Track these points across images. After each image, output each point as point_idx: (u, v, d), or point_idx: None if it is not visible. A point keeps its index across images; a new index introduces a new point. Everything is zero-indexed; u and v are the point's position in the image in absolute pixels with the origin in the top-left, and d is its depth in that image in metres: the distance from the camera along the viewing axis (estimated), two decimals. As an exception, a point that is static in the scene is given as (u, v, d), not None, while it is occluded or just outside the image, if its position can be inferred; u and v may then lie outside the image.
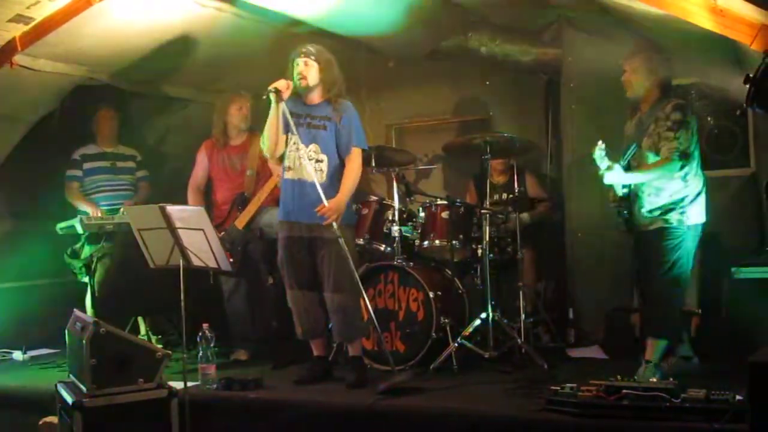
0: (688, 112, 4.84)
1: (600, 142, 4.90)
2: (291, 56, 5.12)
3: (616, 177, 4.88)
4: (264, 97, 4.97)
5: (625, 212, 5.01)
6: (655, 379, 4.43)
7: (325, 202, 4.89)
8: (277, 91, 4.96)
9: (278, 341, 6.10)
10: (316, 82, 5.12)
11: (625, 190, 4.98)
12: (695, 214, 4.83)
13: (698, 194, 4.84)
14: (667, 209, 4.83)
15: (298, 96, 5.16)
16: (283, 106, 4.98)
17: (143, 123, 7.50)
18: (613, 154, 5.00)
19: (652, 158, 4.86)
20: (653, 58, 5.00)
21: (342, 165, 5.16)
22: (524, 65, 6.94)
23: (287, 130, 5.06)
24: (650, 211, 4.89)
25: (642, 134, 4.91)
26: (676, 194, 4.82)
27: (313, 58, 5.08)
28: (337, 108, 5.15)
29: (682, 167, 4.79)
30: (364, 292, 5.03)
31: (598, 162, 4.89)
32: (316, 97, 5.18)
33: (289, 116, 4.97)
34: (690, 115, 4.83)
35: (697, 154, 4.87)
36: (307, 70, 5.08)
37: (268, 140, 5.10)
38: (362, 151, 5.22)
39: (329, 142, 5.13)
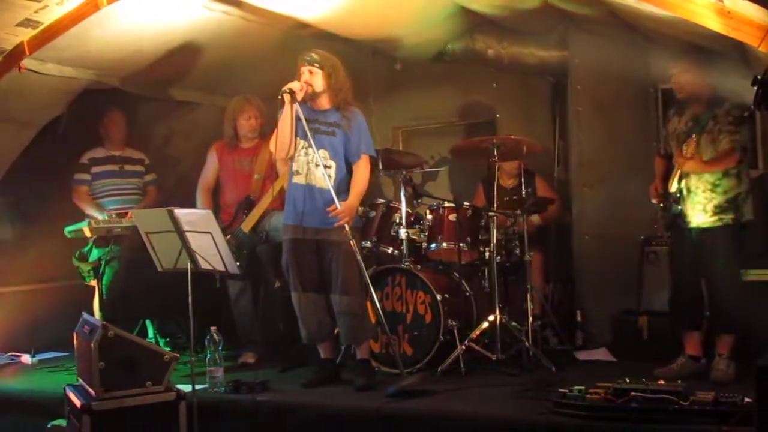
0: (747, 112, 4.91)
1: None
2: (298, 63, 5.13)
3: (694, 166, 4.93)
4: (279, 97, 4.97)
5: (679, 207, 5.02)
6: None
7: (338, 204, 4.90)
8: (292, 92, 4.95)
9: (286, 344, 6.10)
10: (323, 89, 5.11)
11: (681, 186, 5.01)
12: (747, 212, 4.92)
13: (748, 192, 4.93)
14: (724, 207, 4.89)
15: (306, 101, 5.16)
16: (297, 107, 4.98)
17: (151, 126, 7.52)
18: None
19: (710, 153, 4.91)
20: (701, 59, 5.03)
21: (349, 173, 5.17)
22: (531, 67, 6.94)
23: (300, 132, 5.06)
24: (706, 209, 4.93)
25: (701, 131, 4.94)
26: (730, 192, 4.89)
27: (317, 65, 5.07)
28: (347, 115, 5.15)
29: (738, 162, 4.88)
30: (374, 295, 5.04)
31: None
32: (324, 102, 5.18)
33: (303, 118, 4.97)
34: (748, 116, 4.92)
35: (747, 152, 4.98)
36: (312, 78, 5.07)
37: (280, 141, 5.07)
38: (370, 158, 5.23)
39: (338, 149, 5.13)
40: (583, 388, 4.15)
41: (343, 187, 5.10)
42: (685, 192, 5.00)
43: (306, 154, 5.10)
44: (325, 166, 5.05)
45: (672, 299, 5.27)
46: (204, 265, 4.67)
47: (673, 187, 5.00)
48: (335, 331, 5.32)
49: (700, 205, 4.94)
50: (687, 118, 5.08)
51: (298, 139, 5.10)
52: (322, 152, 5.08)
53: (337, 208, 4.91)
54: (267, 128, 6.08)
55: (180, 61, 6.27)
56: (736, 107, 4.88)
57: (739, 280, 5.00)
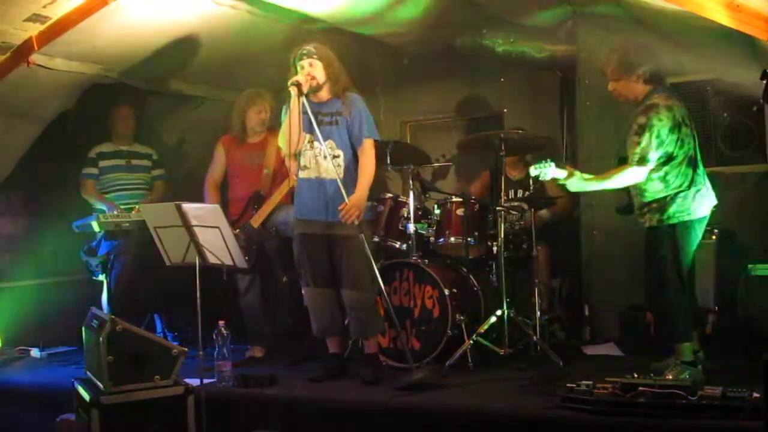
0: (657, 113, 4.67)
1: (544, 162, 4.87)
2: (292, 60, 5.13)
3: (576, 184, 4.86)
4: (289, 90, 4.98)
5: (622, 208, 5.06)
6: (670, 376, 4.44)
7: (346, 199, 4.91)
8: (298, 85, 4.97)
9: (293, 338, 6.11)
10: (324, 80, 5.13)
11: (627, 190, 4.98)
12: (679, 212, 4.74)
13: (681, 192, 4.74)
14: (650, 209, 4.82)
15: (309, 94, 5.17)
16: (303, 100, 4.99)
17: (159, 121, 7.53)
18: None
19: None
20: (612, 62, 4.95)
21: (357, 158, 5.18)
22: (539, 62, 6.93)
23: (306, 126, 5.06)
24: (638, 210, 4.90)
25: (626, 136, 4.86)
26: (657, 194, 4.78)
27: (315, 57, 5.09)
28: (346, 102, 5.17)
29: (662, 167, 4.71)
30: (383, 289, 5.04)
31: (557, 175, 4.87)
32: (325, 94, 5.20)
33: (309, 111, 4.98)
34: (658, 117, 4.65)
35: (681, 152, 4.73)
36: (314, 69, 5.09)
37: (287, 135, 5.08)
38: (375, 142, 5.22)
39: (342, 137, 5.15)
40: (590, 382, 4.16)
41: (353, 174, 5.12)
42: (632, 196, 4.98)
43: (312, 147, 5.12)
44: (334, 156, 5.07)
45: None
46: (212, 260, 4.69)
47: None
48: (345, 322, 5.33)
49: (637, 208, 4.93)
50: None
51: (304, 133, 5.12)
52: (329, 143, 5.11)
53: (345, 205, 4.91)
54: (274, 123, 6.08)
55: (187, 55, 6.28)
56: (643, 112, 4.70)
57: (669, 286, 4.76)
